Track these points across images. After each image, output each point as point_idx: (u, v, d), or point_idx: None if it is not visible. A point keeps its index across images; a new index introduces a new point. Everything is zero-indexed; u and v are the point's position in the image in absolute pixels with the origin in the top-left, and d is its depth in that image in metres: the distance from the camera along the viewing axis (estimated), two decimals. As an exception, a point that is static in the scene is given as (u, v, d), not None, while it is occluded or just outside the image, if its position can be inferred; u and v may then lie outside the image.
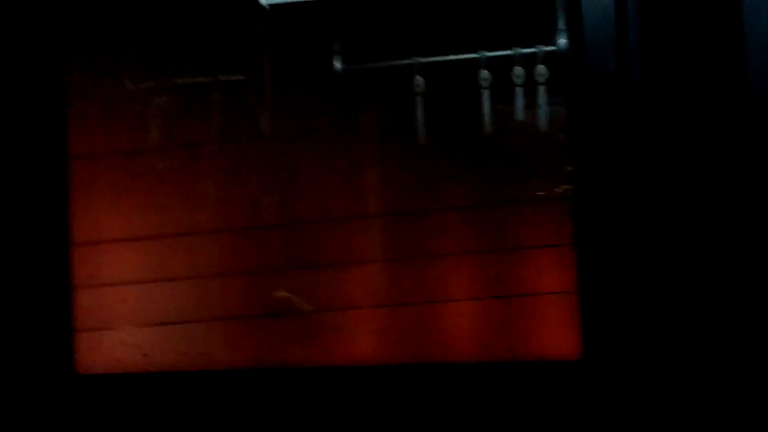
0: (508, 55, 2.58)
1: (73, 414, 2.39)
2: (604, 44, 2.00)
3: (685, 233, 1.94)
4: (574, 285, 2.08)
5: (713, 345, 1.86)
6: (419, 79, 2.64)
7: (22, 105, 2.49)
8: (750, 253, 1.81)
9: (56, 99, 2.56)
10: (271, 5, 2.65)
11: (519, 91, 2.57)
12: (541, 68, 2.54)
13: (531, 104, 2.57)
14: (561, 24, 2.57)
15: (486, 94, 2.61)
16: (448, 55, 2.63)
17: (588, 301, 2.01)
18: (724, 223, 1.86)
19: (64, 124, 2.58)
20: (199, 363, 2.49)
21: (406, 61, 2.67)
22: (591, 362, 1.97)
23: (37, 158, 2.49)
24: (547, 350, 2.18)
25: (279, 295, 2.64)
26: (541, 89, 2.54)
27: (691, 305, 1.87)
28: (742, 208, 1.84)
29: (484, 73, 2.61)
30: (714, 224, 1.87)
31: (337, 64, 2.67)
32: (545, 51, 2.52)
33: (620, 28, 1.97)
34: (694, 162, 1.92)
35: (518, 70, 2.60)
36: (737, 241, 1.83)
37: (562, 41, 2.51)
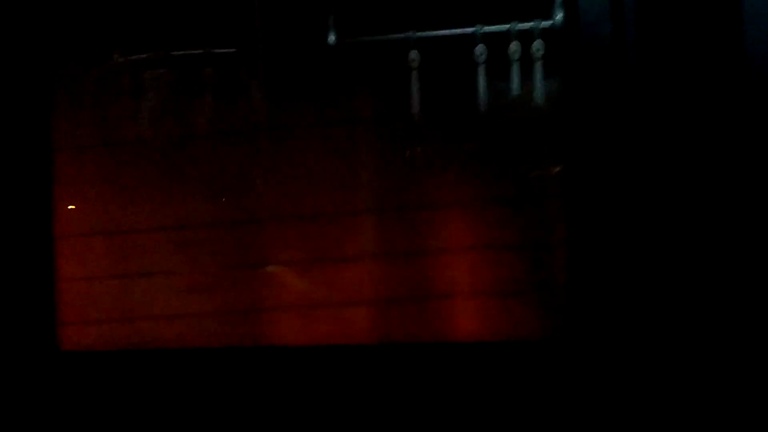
0: (504, 30, 2.54)
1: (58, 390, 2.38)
2: (599, 20, 1.97)
3: (679, 219, 1.91)
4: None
5: (707, 340, 1.85)
6: (414, 54, 2.60)
7: (6, 96, 2.44)
8: (748, 241, 1.79)
9: (41, 89, 2.52)
10: None
11: (515, 66, 2.54)
12: (537, 43, 2.50)
13: (527, 80, 2.54)
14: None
15: (481, 70, 2.58)
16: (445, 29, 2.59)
17: (575, 277, 2.00)
18: (721, 208, 1.84)
19: (48, 115, 2.54)
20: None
21: (401, 36, 2.63)
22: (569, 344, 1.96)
23: (22, 151, 2.45)
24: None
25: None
26: (538, 65, 2.51)
27: (688, 296, 1.86)
28: (741, 193, 1.82)
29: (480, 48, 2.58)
30: (710, 209, 1.85)
31: (331, 38, 2.63)
32: (542, 26, 2.49)
33: (615, 2, 1.94)
34: (691, 140, 1.90)
35: (514, 46, 2.56)
36: (733, 225, 1.81)
37: (560, 16, 2.48)
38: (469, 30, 2.61)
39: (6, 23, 2.46)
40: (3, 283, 2.46)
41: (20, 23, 2.47)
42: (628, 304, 1.89)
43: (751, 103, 1.82)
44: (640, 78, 1.95)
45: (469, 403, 2.09)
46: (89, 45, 2.70)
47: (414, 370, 2.16)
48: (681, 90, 1.92)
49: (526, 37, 2.55)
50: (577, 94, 1.91)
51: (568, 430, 1.99)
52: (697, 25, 1.88)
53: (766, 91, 1.84)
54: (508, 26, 2.57)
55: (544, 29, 2.52)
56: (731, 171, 1.81)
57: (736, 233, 1.81)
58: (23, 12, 2.47)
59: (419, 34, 2.64)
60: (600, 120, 1.92)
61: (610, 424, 1.93)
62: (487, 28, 2.55)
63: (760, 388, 1.82)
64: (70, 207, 2.68)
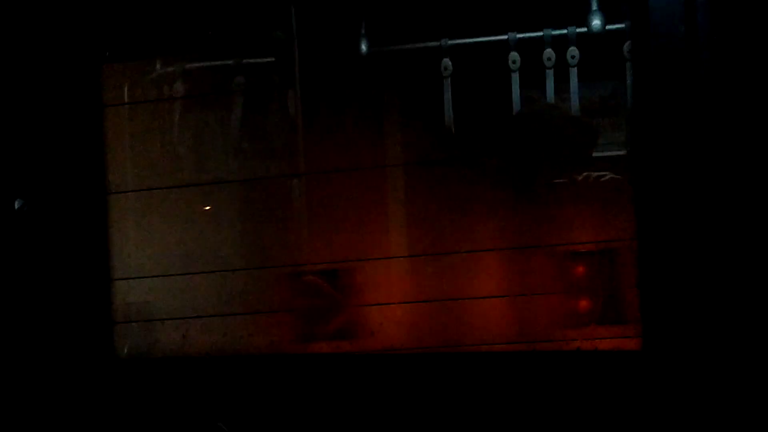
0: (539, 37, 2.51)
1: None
2: (671, 20, 1.92)
3: (755, 223, 1.86)
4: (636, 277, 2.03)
5: None
6: (446, 62, 2.58)
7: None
8: None
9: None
10: None
11: (549, 73, 2.51)
12: (573, 50, 2.47)
13: (564, 87, 2.50)
14: (594, 4, 2.50)
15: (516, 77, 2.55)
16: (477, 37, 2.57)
17: (651, 295, 1.95)
18: None
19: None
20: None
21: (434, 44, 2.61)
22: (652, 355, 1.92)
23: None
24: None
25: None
26: (574, 71, 2.47)
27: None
28: None
29: (514, 55, 2.55)
30: None
31: (363, 47, 2.62)
32: (578, 32, 2.46)
33: (688, 7, 1.89)
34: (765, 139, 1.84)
35: (549, 53, 2.53)
36: None
37: (596, 22, 2.44)
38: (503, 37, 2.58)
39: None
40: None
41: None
42: (707, 312, 1.84)
43: None
44: (715, 80, 1.89)
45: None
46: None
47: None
48: (756, 91, 1.87)
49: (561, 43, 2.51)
50: (649, 100, 1.87)
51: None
52: None
53: None
54: (542, 33, 2.53)
55: (579, 35, 2.48)
56: None
57: None
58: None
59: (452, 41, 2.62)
60: (674, 125, 1.87)
61: None
62: (521, 35, 2.52)
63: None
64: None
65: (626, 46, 2.36)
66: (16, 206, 2.46)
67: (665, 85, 1.96)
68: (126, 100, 2.78)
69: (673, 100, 1.93)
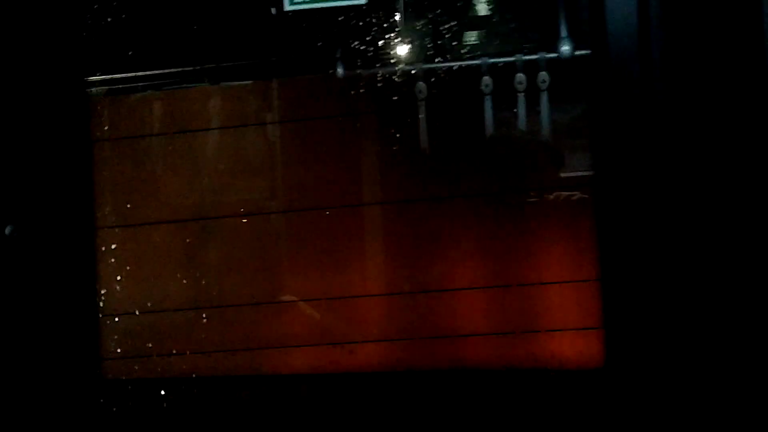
0: (511, 62, 2.58)
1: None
2: (627, 51, 2.00)
3: (707, 237, 1.93)
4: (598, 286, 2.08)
5: (737, 347, 1.86)
6: (421, 86, 2.64)
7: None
8: None
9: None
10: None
11: (521, 97, 2.57)
12: (543, 75, 2.54)
13: (534, 111, 2.57)
14: (563, 31, 2.58)
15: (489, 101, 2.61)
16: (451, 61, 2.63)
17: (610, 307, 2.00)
18: (748, 228, 1.86)
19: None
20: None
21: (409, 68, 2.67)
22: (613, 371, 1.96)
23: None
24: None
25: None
26: (544, 96, 2.54)
27: (717, 309, 1.86)
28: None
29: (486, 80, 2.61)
30: (738, 228, 1.87)
31: (340, 70, 2.68)
32: (547, 58, 2.53)
33: (643, 35, 1.97)
34: (718, 166, 1.92)
35: (521, 77, 2.60)
36: (760, 244, 1.83)
37: (565, 48, 2.51)
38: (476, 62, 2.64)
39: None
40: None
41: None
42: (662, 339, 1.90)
43: None
44: (668, 106, 1.97)
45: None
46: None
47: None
48: (707, 117, 1.94)
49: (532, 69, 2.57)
50: (605, 123, 1.93)
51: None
52: (722, 54, 1.91)
53: None
54: (514, 58, 2.59)
55: (548, 60, 2.55)
56: (757, 192, 1.83)
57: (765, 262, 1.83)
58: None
59: (427, 65, 2.67)
60: (627, 146, 1.94)
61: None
62: (493, 60, 2.58)
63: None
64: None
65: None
66: (6, 232, 2.46)
67: (622, 109, 2.03)
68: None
69: (628, 123, 2.00)
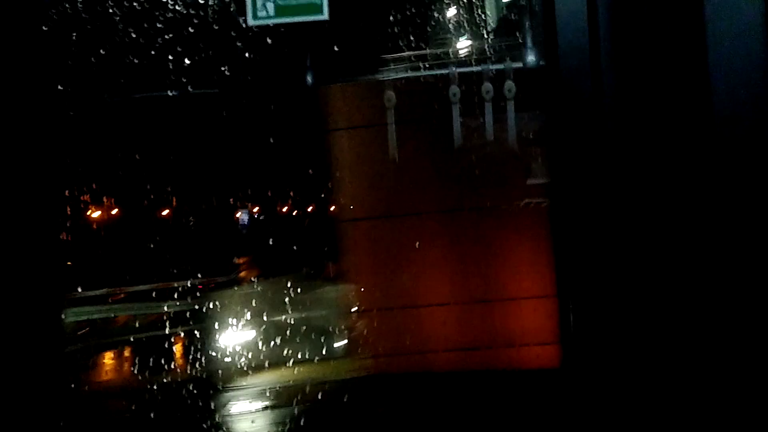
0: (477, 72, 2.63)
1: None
2: (577, 64, 2.07)
3: (658, 242, 1.99)
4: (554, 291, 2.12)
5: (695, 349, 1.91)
6: (390, 94, 2.68)
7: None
8: (721, 262, 1.87)
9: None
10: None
11: (488, 106, 2.62)
12: (509, 84, 2.59)
13: (500, 119, 2.62)
14: (529, 42, 2.63)
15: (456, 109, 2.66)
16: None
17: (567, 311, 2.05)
18: (695, 231, 1.93)
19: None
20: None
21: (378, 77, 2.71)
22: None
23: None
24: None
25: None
26: (510, 105, 2.59)
27: (666, 313, 1.93)
28: (712, 217, 1.91)
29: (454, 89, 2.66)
30: (685, 232, 1.94)
31: (309, 79, 2.71)
32: (514, 68, 2.58)
33: (593, 49, 2.04)
34: (664, 174, 1.99)
35: (487, 86, 2.65)
36: (707, 248, 1.90)
37: (531, 58, 2.57)
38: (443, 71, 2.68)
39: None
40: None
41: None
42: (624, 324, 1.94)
43: (716, 144, 1.91)
44: (616, 117, 2.03)
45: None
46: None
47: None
48: (654, 128, 2.02)
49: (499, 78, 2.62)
50: (557, 133, 1.99)
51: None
52: (668, 71, 1.98)
53: (730, 131, 1.94)
54: (480, 68, 2.64)
55: (516, 70, 2.60)
56: (701, 203, 1.89)
57: (714, 269, 1.89)
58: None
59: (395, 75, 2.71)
60: (579, 156, 1.99)
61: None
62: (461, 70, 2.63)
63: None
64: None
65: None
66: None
67: (573, 121, 2.10)
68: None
69: (579, 135, 2.06)
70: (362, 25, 2.63)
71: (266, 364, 4.36)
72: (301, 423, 2.79)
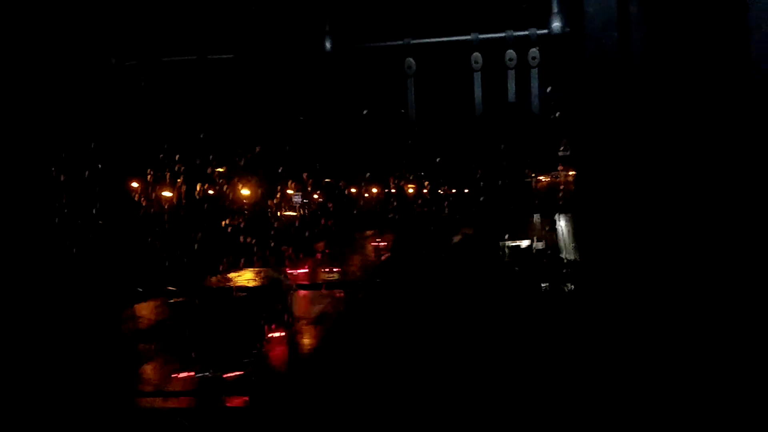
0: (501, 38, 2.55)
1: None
2: (605, 26, 1.97)
3: (689, 211, 1.91)
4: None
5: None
6: (410, 61, 2.61)
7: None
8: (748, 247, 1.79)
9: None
10: None
11: (511, 73, 2.54)
12: (533, 51, 2.51)
13: (524, 87, 2.54)
14: (555, 7, 2.54)
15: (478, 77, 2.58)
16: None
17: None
18: (728, 200, 1.84)
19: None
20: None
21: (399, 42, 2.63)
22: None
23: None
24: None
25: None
26: (533, 72, 2.51)
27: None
28: (747, 183, 1.81)
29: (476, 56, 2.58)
30: (719, 201, 1.85)
31: (327, 45, 2.64)
32: (538, 34, 2.49)
33: (622, 8, 1.94)
34: (695, 147, 1.90)
35: (511, 53, 2.57)
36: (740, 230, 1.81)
37: (556, 24, 2.48)
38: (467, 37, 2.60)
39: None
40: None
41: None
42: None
43: (754, 109, 1.81)
44: (646, 85, 1.94)
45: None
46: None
47: None
48: (686, 97, 1.92)
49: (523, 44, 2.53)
50: (583, 102, 1.91)
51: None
52: (703, 33, 1.88)
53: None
54: (504, 34, 2.55)
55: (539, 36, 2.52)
56: (734, 174, 1.81)
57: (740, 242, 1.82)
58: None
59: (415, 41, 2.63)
60: (605, 127, 1.92)
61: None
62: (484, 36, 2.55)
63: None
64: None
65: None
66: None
67: (600, 88, 2.01)
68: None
69: (606, 102, 1.98)
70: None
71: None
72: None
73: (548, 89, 2.38)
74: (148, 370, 4.30)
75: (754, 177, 1.84)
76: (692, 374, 1.92)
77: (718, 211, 1.85)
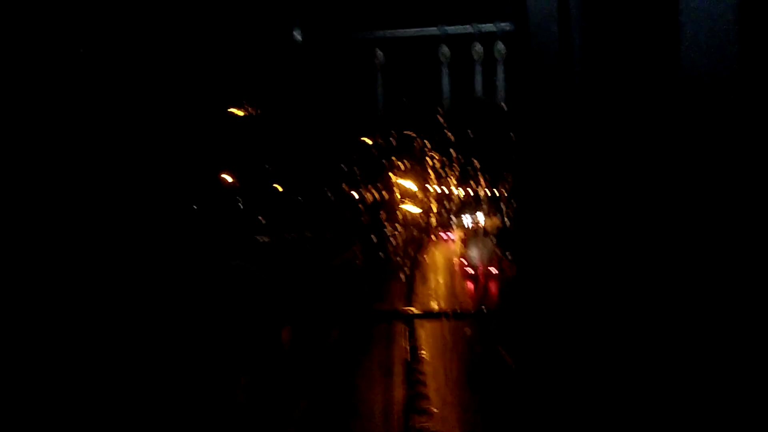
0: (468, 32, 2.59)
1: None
2: (546, 26, 2.02)
3: (625, 195, 1.95)
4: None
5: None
6: (379, 54, 2.65)
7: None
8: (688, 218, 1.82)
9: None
10: None
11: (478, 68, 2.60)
12: (499, 45, 2.56)
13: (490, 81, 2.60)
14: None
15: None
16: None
17: None
18: (662, 185, 1.87)
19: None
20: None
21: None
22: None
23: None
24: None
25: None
26: (500, 67, 2.56)
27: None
28: (680, 171, 1.85)
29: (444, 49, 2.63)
30: (653, 186, 1.88)
31: (297, 36, 2.67)
32: (504, 29, 2.55)
33: (562, 9, 2.00)
34: (632, 141, 1.95)
35: (478, 47, 2.62)
36: (676, 203, 1.85)
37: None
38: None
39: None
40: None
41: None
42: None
43: (684, 105, 1.87)
44: (586, 79, 1.99)
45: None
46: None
47: None
48: (623, 90, 1.98)
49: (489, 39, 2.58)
50: (526, 95, 1.95)
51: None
52: (638, 31, 1.94)
53: (698, 95, 1.90)
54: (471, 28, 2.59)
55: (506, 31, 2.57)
56: (669, 167, 1.86)
57: (674, 234, 1.86)
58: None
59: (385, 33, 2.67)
60: (547, 121, 1.96)
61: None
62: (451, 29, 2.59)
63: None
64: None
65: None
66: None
67: (540, 83, 2.05)
68: None
69: (546, 96, 2.02)
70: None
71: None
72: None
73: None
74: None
75: (683, 166, 1.89)
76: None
77: (649, 199, 1.90)
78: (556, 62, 2.00)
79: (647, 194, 1.96)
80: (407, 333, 4.45)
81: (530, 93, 1.99)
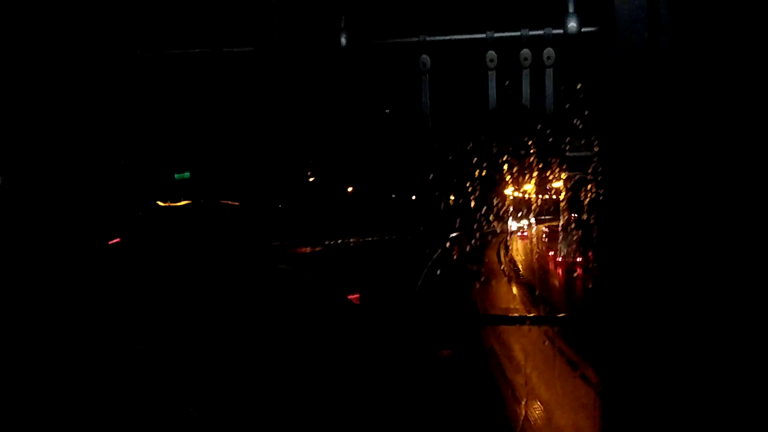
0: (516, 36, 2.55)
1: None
2: (635, 27, 1.96)
3: (707, 217, 1.91)
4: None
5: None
6: (425, 58, 2.62)
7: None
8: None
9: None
10: None
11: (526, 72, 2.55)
12: (548, 51, 2.51)
13: (539, 87, 2.55)
14: (571, 7, 2.54)
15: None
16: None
17: None
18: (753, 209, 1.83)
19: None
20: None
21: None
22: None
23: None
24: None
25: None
26: (549, 72, 2.51)
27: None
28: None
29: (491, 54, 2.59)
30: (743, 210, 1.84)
31: (343, 40, 2.65)
32: (553, 33, 2.50)
33: (652, 10, 1.94)
34: (725, 145, 1.89)
35: (525, 52, 2.57)
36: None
37: (572, 24, 2.48)
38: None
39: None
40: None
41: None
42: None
43: None
44: (675, 83, 1.94)
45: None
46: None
47: None
48: (715, 95, 1.92)
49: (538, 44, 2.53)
50: (612, 100, 1.91)
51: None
52: (732, 34, 1.87)
53: None
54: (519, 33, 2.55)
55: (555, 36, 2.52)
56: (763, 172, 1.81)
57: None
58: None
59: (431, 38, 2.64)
60: (635, 126, 1.91)
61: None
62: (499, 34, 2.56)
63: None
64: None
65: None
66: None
67: (630, 86, 2.01)
68: None
69: (636, 101, 1.98)
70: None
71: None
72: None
73: (561, 89, 2.38)
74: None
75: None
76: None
77: (753, 212, 1.85)
78: (644, 67, 1.94)
79: (743, 203, 1.91)
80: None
81: (616, 99, 1.94)
